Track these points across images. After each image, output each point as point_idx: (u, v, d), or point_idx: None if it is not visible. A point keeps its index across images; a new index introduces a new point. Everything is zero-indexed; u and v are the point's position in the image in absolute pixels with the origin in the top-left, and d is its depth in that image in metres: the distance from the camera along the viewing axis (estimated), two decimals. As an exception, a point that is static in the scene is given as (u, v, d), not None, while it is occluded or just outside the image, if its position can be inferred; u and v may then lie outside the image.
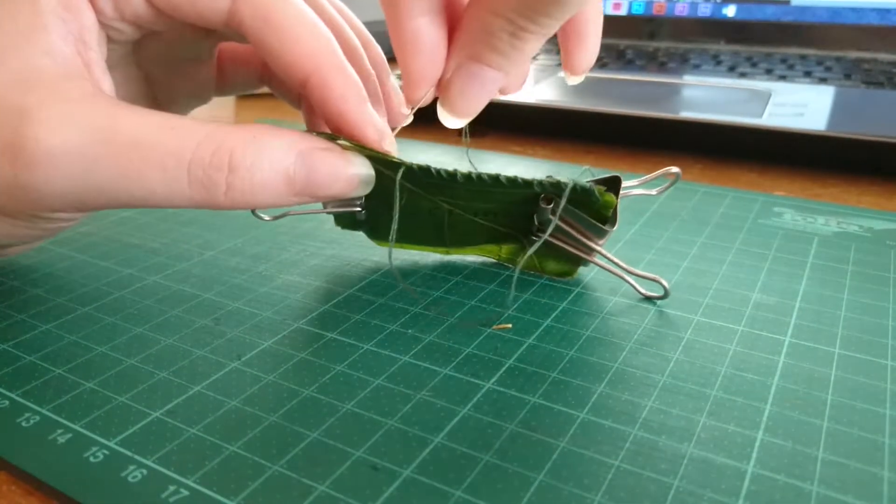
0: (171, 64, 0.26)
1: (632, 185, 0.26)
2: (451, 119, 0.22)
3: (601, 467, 0.18)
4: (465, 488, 0.17)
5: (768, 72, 0.54)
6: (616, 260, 0.25)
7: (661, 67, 0.56)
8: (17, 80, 0.20)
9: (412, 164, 0.23)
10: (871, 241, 0.31)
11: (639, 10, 0.68)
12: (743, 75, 0.53)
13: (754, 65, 0.56)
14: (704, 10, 0.65)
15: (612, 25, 0.68)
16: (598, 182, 0.24)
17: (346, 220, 0.28)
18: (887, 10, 0.58)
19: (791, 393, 0.20)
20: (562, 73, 0.27)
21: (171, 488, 0.17)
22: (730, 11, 0.64)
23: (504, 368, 0.22)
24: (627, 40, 0.68)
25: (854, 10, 0.59)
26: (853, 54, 0.59)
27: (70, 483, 0.17)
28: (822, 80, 0.51)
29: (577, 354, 0.22)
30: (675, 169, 0.25)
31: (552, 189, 0.23)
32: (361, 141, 0.22)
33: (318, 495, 0.17)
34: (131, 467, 0.18)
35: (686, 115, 0.44)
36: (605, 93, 0.50)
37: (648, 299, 0.26)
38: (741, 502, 0.17)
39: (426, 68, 0.21)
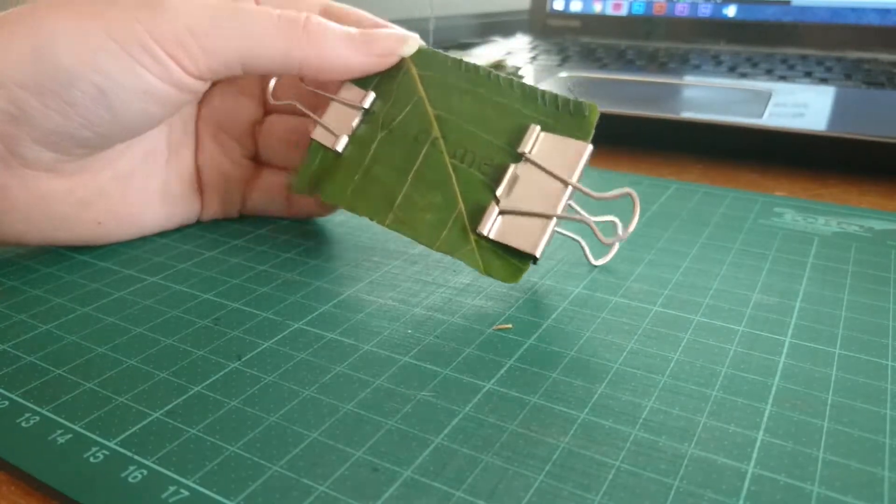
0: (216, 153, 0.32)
1: (594, 196, 0.24)
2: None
3: (601, 467, 0.18)
4: (465, 489, 0.17)
5: (769, 72, 0.53)
6: (579, 211, 0.26)
7: (661, 67, 0.56)
8: None
9: (447, 54, 0.27)
10: (872, 242, 0.31)
11: (639, 10, 0.68)
12: (743, 75, 0.53)
13: (754, 65, 0.56)
14: (705, 11, 0.65)
15: (612, 25, 0.68)
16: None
17: (307, 177, 0.29)
18: (888, 11, 0.58)
19: (791, 393, 0.20)
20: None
21: (172, 489, 0.17)
22: (730, 11, 0.64)
23: (504, 369, 0.22)
24: (627, 40, 0.68)
25: (854, 10, 0.59)
26: (854, 54, 0.59)
27: (70, 483, 0.17)
28: (823, 81, 0.51)
29: (578, 355, 0.22)
30: (633, 193, 0.24)
31: (552, 105, 0.26)
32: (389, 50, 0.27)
33: (318, 496, 0.17)
34: (131, 468, 0.18)
35: (686, 115, 0.44)
36: (604, 93, 0.50)
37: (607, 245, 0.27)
38: (741, 503, 0.17)
39: None
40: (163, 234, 0.32)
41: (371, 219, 0.27)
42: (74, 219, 0.28)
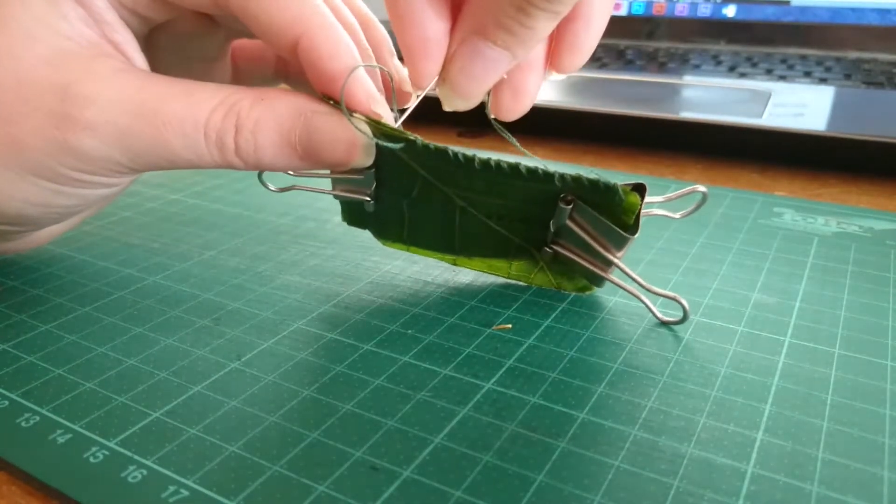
0: (184, 64, 0.26)
1: (654, 202, 0.24)
2: (452, 99, 0.22)
3: (601, 467, 0.18)
4: (465, 489, 0.17)
5: (768, 72, 0.53)
6: (634, 275, 0.23)
7: (661, 67, 0.56)
8: (48, 63, 0.21)
9: (428, 143, 0.22)
10: (872, 242, 0.31)
11: (639, 10, 0.68)
12: (743, 75, 0.53)
13: (754, 65, 0.56)
14: (704, 11, 0.65)
15: (612, 25, 0.68)
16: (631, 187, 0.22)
17: (353, 216, 0.27)
18: (887, 11, 0.58)
19: (791, 393, 0.20)
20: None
21: (171, 488, 0.17)
22: (730, 11, 0.64)
23: (504, 369, 0.22)
24: (627, 40, 0.68)
25: (854, 10, 0.59)
26: (853, 54, 0.59)
27: (70, 483, 0.17)
28: (823, 81, 0.51)
29: (577, 355, 0.22)
30: (701, 188, 0.23)
31: (573, 184, 0.22)
32: (350, 102, 0.21)
33: (318, 496, 0.17)
34: (131, 467, 0.18)
35: (686, 115, 0.44)
36: (605, 93, 0.50)
37: (666, 324, 0.24)
38: (741, 503, 0.17)
39: (426, 44, 0.21)
40: (163, 234, 0.32)
41: (439, 259, 0.27)
42: (67, 226, 0.28)
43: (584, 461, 0.18)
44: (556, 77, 0.24)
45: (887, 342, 0.23)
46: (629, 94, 0.49)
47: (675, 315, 0.24)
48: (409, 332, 0.24)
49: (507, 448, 0.18)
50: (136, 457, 0.18)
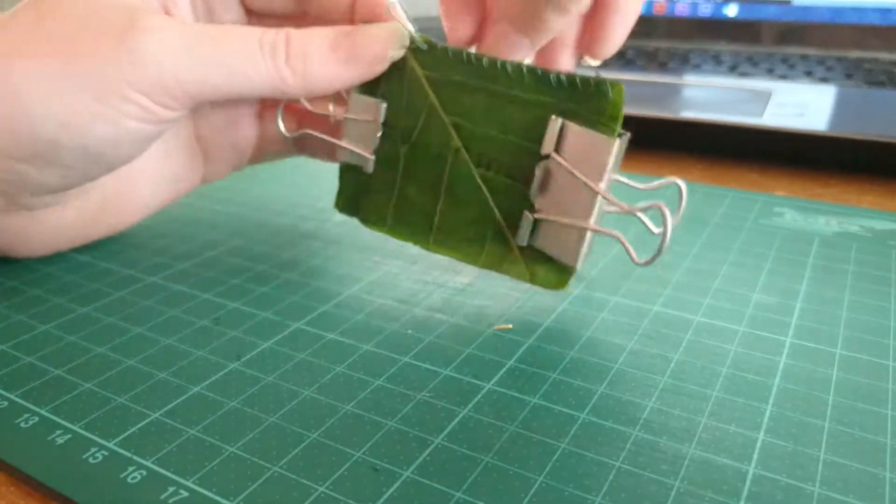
0: (219, 118, 0.29)
1: (636, 187, 0.23)
2: None
3: (602, 468, 0.18)
4: (465, 489, 0.17)
5: (769, 72, 0.53)
6: (615, 200, 0.23)
7: (662, 67, 0.56)
8: (115, 6, 0.23)
9: (447, 46, 0.25)
10: (873, 242, 0.31)
11: (639, 9, 0.68)
12: (743, 75, 0.53)
13: (755, 65, 0.56)
14: (705, 10, 0.65)
15: (613, 25, 0.68)
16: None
17: (347, 197, 0.28)
18: (888, 10, 0.58)
19: (792, 393, 0.20)
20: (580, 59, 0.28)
21: (171, 489, 0.17)
22: (730, 11, 0.64)
23: (504, 369, 0.22)
24: (627, 40, 0.67)
25: (855, 9, 0.59)
26: (854, 54, 0.59)
27: (69, 484, 0.17)
28: (823, 80, 0.51)
29: (578, 355, 0.22)
30: (679, 181, 0.23)
31: (569, 85, 0.23)
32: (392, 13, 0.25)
33: (318, 496, 0.17)
34: (131, 468, 0.18)
35: (686, 115, 0.44)
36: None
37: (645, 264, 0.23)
38: (742, 503, 0.16)
39: (465, 14, 0.26)
40: (163, 234, 0.31)
41: (414, 244, 0.27)
42: (89, 230, 0.28)
43: (585, 462, 0.18)
44: (592, 63, 0.28)
45: (889, 342, 0.23)
46: (630, 94, 0.49)
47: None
48: (409, 332, 0.24)
49: (507, 449, 0.18)
50: (135, 457, 0.18)
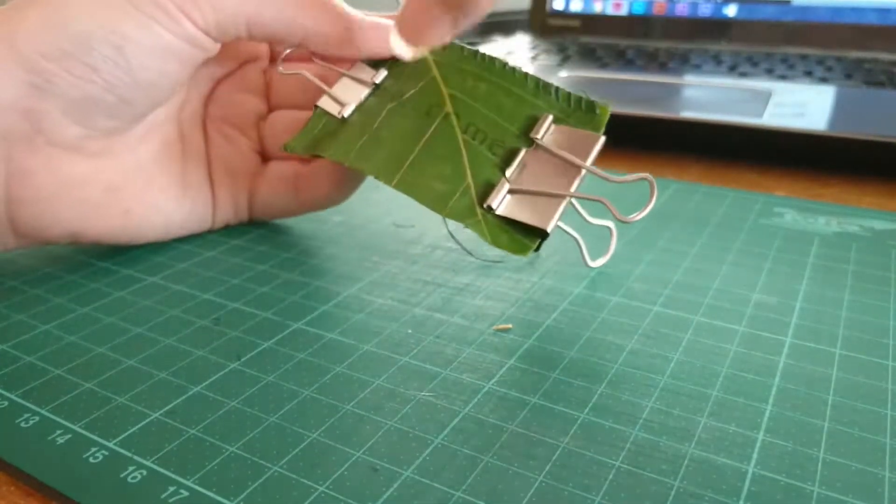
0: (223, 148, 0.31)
1: (608, 178, 0.24)
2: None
3: (602, 468, 0.18)
4: (465, 489, 0.17)
5: (769, 72, 0.53)
6: (599, 171, 0.23)
7: (661, 67, 0.56)
8: None
9: (462, 45, 0.27)
10: (872, 242, 0.31)
11: (639, 9, 0.68)
12: (743, 75, 0.53)
13: (755, 65, 0.56)
14: (705, 10, 0.65)
15: (612, 25, 0.68)
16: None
17: (304, 139, 0.29)
18: (888, 10, 0.58)
19: (792, 393, 0.20)
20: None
21: (171, 489, 0.17)
22: (730, 11, 0.64)
23: (504, 369, 0.22)
24: (627, 40, 0.68)
25: (855, 9, 0.59)
26: (854, 54, 0.59)
27: (69, 484, 0.17)
28: (823, 80, 0.51)
29: (578, 355, 0.22)
30: (650, 177, 0.23)
31: (564, 101, 0.26)
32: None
33: (318, 496, 0.17)
34: (131, 468, 0.18)
35: (686, 115, 0.44)
36: (605, 93, 0.50)
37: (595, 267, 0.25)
38: (742, 503, 0.16)
39: None
40: (162, 234, 0.32)
41: (376, 177, 0.26)
42: (103, 206, 0.27)
43: (585, 461, 0.18)
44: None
45: (888, 342, 0.23)
46: (629, 94, 0.49)
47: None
48: (409, 331, 0.24)
49: (507, 448, 0.18)
50: (135, 457, 0.18)
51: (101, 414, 0.20)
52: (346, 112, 0.28)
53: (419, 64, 0.28)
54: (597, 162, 0.25)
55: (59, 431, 0.19)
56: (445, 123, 0.27)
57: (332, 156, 0.27)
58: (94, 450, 0.18)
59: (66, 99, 0.24)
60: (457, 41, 0.27)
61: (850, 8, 0.59)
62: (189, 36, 0.25)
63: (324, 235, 0.32)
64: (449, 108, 0.27)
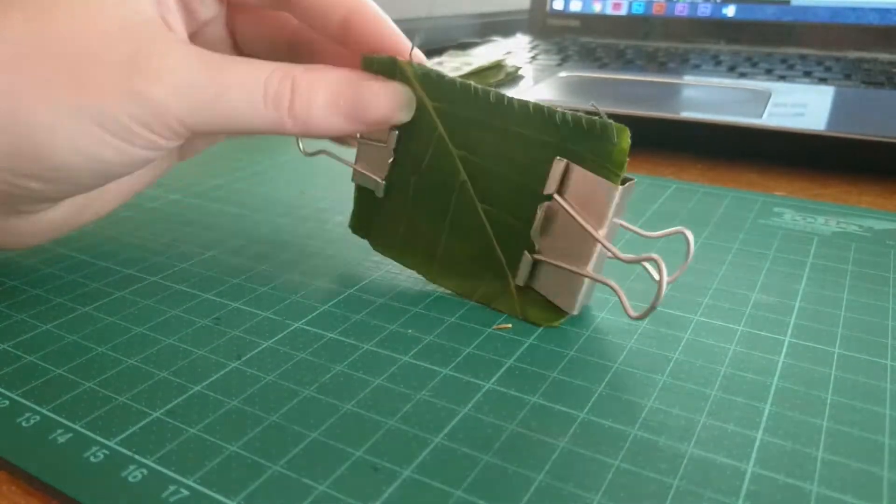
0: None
1: (643, 234, 0.24)
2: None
3: (601, 467, 0.18)
4: (465, 488, 0.17)
5: (768, 72, 0.54)
6: (612, 248, 0.22)
7: (661, 67, 0.56)
8: (121, 27, 0.22)
9: (455, 78, 0.25)
10: (872, 242, 0.31)
11: (639, 10, 0.68)
12: (743, 75, 0.53)
13: (754, 65, 0.56)
14: (704, 10, 0.65)
15: (612, 25, 0.68)
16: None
17: (360, 216, 0.29)
18: (887, 10, 0.58)
19: (791, 393, 0.20)
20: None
21: (172, 488, 0.17)
22: (730, 11, 0.64)
23: (504, 368, 0.22)
24: (627, 40, 0.68)
25: (854, 10, 0.59)
26: (853, 54, 0.59)
27: (70, 483, 0.17)
28: (822, 80, 0.51)
29: (578, 354, 0.22)
30: (687, 232, 0.23)
31: (573, 123, 0.22)
32: (403, 54, 0.25)
33: (318, 495, 0.17)
34: (131, 467, 0.18)
35: (686, 115, 0.44)
36: (605, 93, 0.50)
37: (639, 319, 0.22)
38: (741, 502, 0.17)
39: None
40: (163, 234, 0.32)
41: (418, 272, 0.27)
42: (78, 218, 0.28)
43: (585, 461, 0.18)
44: None
45: (887, 342, 0.23)
46: (629, 94, 0.49)
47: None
48: (409, 331, 0.24)
49: (507, 448, 0.18)
50: (136, 456, 0.18)
51: (101, 413, 0.20)
52: (380, 193, 0.27)
53: (423, 114, 0.25)
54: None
55: (59, 431, 0.19)
56: (463, 194, 0.25)
57: (380, 251, 0.28)
58: (94, 449, 0.18)
59: (40, 199, 0.24)
60: (444, 73, 0.25)
61: (849, 8, 0.60)
62: (162, 147, 0.24)
63: (324, 235, 0.32)
64: (463, 175, 0.25)
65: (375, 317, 0.25)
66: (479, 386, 0.21)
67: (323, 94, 0.24)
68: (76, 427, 0.19)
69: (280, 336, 0.23)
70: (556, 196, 0.23)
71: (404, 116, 0.25)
